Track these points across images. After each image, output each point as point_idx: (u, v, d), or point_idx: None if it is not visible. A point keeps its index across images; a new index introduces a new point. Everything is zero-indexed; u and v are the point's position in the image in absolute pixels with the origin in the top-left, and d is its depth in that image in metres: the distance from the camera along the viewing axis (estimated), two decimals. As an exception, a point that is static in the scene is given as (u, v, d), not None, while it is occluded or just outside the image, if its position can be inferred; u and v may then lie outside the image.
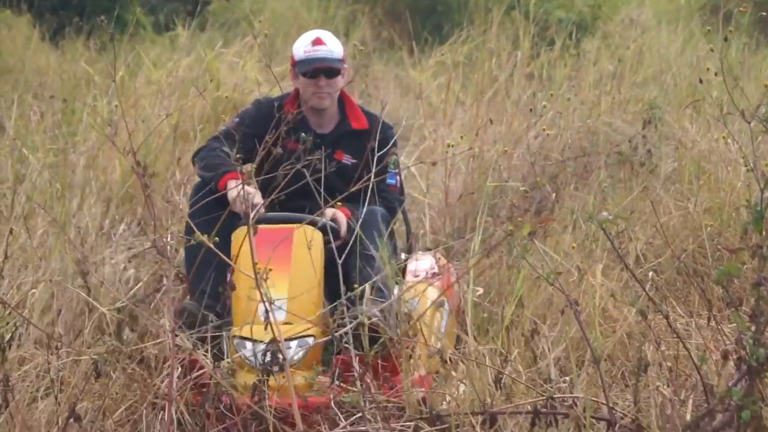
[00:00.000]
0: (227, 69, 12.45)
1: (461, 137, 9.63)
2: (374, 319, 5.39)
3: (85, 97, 10.47)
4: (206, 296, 5.86)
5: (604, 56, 11.92)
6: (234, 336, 5.60)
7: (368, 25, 16.77)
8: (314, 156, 5.71)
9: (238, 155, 5.47)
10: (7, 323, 5.87)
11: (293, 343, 5.55)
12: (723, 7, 16.31)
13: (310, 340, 5.63)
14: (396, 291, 5.86)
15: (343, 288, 5.59)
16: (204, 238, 5.11)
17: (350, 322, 5.34)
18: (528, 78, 11.06)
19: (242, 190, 5.63)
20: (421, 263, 6.71)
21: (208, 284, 5.83)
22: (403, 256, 6.93)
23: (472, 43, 12.84)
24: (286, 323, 5.49)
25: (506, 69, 11.14)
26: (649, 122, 9.35)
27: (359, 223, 5.89)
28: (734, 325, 4.66)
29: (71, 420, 4.96)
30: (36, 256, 6.78)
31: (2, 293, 6.20)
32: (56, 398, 5.25)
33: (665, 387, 5.14)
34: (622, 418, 5.05)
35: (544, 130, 9.55)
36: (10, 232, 6.61)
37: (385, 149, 6.22)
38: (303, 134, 5.76)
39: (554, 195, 8.80)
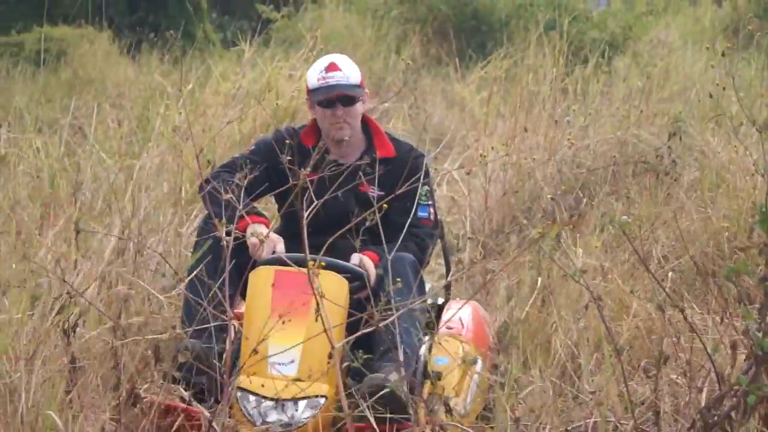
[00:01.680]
0: (285, 81, 12.46)
1: (500, 146, 9.70)
2: (394, 388, 4.51)
3: (158, 107, 10.51)
4: (206, 337, 4.78)
5: (633, 73, 11.91)
6: (238, 387, 4.56)
7: (418, 43, 16.74)
8: (336, 188, 4.95)
9: (253, 203, 5.20)
10: (73, 312, 5.50)
11: (302, 403, 4.53)
12: (742, 29, 16.34)
13: (322, 401, 4.56)
14: (423, 350, 5.20)
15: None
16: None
17: (368, 388, 4.56)
18: (563, 92, 11.05)
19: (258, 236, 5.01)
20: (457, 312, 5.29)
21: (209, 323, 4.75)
22: (439, 300, 5.84)
23: (511, 60, 12.83)
24: (296, 380, 4.57)
25: (543, 84, 11.15)
26: (673, 134, 9.34)
27: (385, 269, 4.89)
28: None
29: (131, 400, 4.76)
30: (107, 249, 6.61)
31: (74, 281, 5.98)
32: (118, 379, 5.08)
33: (682, 377, 5.20)
34: (642, 404, 5.10)
35: (569, 139, 9.59)
36: (77, 230, 6.69)
37: (413, 179, 5.19)
38: (323, 161, 4.87)
39: (584, 200, 8.86)
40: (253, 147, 5.79)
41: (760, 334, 3.94)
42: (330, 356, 4.57)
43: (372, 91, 13.77)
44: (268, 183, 5.34)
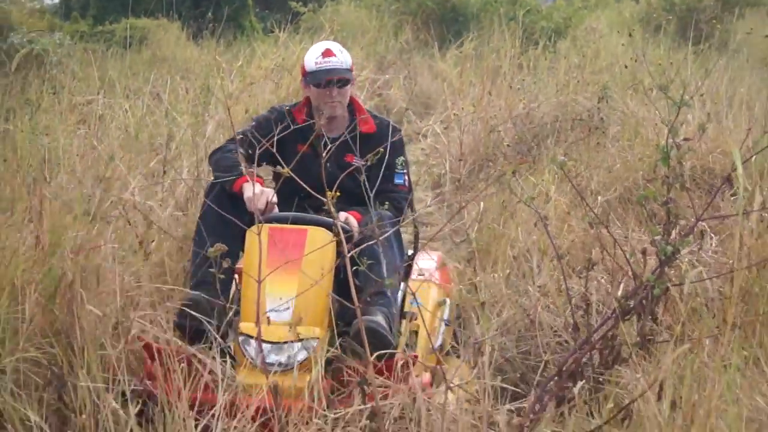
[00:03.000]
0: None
1: (471, 107, 9.74)
2: (377, 327, 4.18)
3: (216, 79, 10.52)
4: (207, 286, 4.32)
5: (572, 53, 11.90)
6: (240, 333, 4.13)
7: (410, 30, 16.64)
8: (327, 160, 4.50)
9: (250, 155, 4.63)
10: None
11: (297, 345, 4.05)
12: (654, 20, 16.26)
13: (315, 343, 4.08)
14: (399, 293, 4.93)
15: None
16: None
17: (354, 329, 4.14)
18: (519, 67, 11.06)
19: (256, 190, 4.50)
20: (425, 262, 5.28)
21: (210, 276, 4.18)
22: (410, 252, 5.38)
23: (479, 43, 12.78)
24: (292, 324, 4.02)
25: (504, 61, 11.15)
26: (602, 98, 9.36)
27: (367, 224, 4.44)
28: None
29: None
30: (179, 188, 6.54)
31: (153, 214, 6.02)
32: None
33: (607, 276, 5.25)
34: (575, 297, 5.14)
35: (522, 102, 9.66)
36: (164, 172, 6.74)
37: (384, 149, 4.59)
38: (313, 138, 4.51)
39: (535, 148, 8.87)
40: (253, 123, 5.14)
41: (663, 243, 3.98)
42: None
43: (376, 66, 13.82)
44: (267, 153, 4.62)
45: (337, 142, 4.64)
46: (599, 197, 7.13)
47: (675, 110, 4.27)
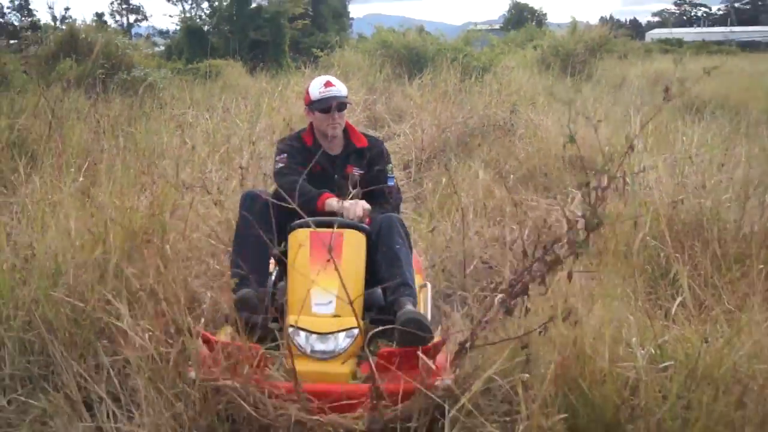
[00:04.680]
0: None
1: (429, 117, 9.63)
2: (420, 318, 3.30)
3: (265, 98, 10.45)
4: (252, 282, 3.40)
5: (493, 82, 11.78)
6: (290, 325, 3.21)
7: (390, 67, 16.45)
8: (334, 172, 4.11)
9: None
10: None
11: (341, 335, 3.29)
12: (546, 61, 16.13)
13: (356, 332, 3.27)
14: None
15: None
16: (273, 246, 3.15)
17: (401, 319, 3.28)
18: (459, 91, 10.94)
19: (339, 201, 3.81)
20: None
21: (254, 272, 3.45)
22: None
23: (434, 75, 12.65)
24: (335, 316, 3.34)
25: (449, 87, 11.05)
26: (512, 111, 9.26)
27: (382, 226, 3.75)
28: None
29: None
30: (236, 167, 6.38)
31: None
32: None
33: (516, 227, 5.10)
34: (496, 240, 5.09)
35: (461, 113, 9.59)
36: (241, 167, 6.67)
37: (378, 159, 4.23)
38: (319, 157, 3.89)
39: (470, 143, 8.79)
40: (284, 155, 4.09)
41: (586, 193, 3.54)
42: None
43: (367, 91, 13.69)
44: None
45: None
46: (511, 176, 7.06)
47: (567, 115, 4.17)
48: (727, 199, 4.94)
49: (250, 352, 3.03)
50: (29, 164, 5.85)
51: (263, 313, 3.19)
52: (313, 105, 4.14)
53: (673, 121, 8.30)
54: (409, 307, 3.47)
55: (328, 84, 4.16)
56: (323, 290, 3.33)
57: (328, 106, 4.07)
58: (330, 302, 3.35)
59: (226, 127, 8.37)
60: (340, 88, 4.16)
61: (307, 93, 4.19)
